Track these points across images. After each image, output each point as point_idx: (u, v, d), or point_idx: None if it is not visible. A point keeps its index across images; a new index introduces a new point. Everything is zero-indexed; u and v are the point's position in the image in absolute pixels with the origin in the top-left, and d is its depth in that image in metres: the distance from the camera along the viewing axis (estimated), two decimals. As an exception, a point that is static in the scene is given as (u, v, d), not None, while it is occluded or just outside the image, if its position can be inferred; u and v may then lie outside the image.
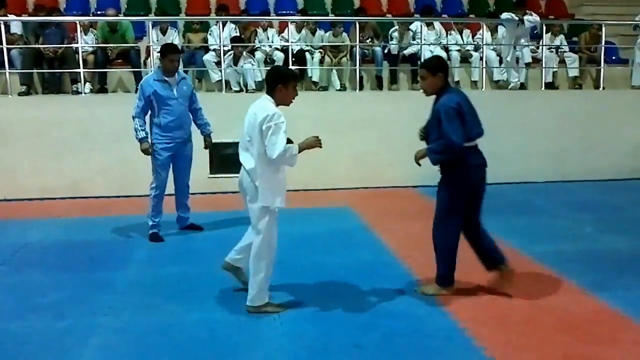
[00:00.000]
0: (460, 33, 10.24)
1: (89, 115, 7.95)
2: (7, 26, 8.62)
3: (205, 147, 6.54)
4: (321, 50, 9.62)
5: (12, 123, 8.03)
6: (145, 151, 6.15)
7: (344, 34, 9.72)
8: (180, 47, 9.36)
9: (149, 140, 6.16)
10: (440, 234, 4.79)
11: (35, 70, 8.89)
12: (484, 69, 9.54)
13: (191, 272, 5.22)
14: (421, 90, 4.87)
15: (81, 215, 7.29)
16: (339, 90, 9.48)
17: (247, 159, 4.37)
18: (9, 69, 8.40)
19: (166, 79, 6.11)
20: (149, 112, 6.20)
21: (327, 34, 9.70)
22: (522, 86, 9.82)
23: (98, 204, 7.79)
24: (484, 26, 9.55)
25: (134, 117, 6.11)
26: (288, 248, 5.81)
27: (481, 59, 9.66)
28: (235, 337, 3.95)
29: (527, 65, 9.87)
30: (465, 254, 5.58)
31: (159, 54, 6.35)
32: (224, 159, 8.26)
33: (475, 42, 10.16)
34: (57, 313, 4.35)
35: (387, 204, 7.76)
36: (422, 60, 9.29)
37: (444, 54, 9.74)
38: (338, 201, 7.85)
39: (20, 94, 8.60)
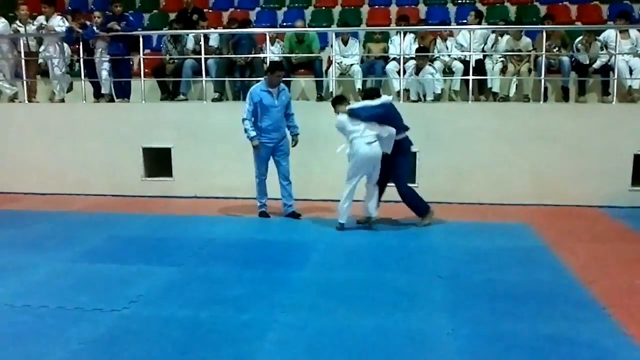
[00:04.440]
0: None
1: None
2: (206, 39, 9.38)
3: (293, 145, 7.57)
4: (503, 59, 9.31)
5: (205, 126, 8.71)
6: (256, 147, 7.30)
7: (527, 38, 9.32)
8: (360, 57, 9.67)
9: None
10: (409, 188, 7.06)
11: (227, 79, 9.58)
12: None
13: (365, 278, 5.29)
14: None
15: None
16: (519, 100, 9.12)
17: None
18: (206, 77, 9.12)
19: (270, 90, 7.25)
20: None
21: (509, 38, 9.33)
22: None
23: (276, 206, 8.18)
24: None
25: (244, 120, 7.25)
26: (461, 262, 5.75)
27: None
28: (408, 347, 3.93)
29: None
30: None
31: (267, 70, 7.51)
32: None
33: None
34: (240, 306, 4.62)
35: (569, 223, 7.29)
36: (616, 70, 8.66)
37: (642, 65, 8.98)
38: (515, 217, 7.52)
39: (213, 100, 9.31)
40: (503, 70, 9.24)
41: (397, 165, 6.89)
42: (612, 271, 5.51)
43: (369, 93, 7.20)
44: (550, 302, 4.73)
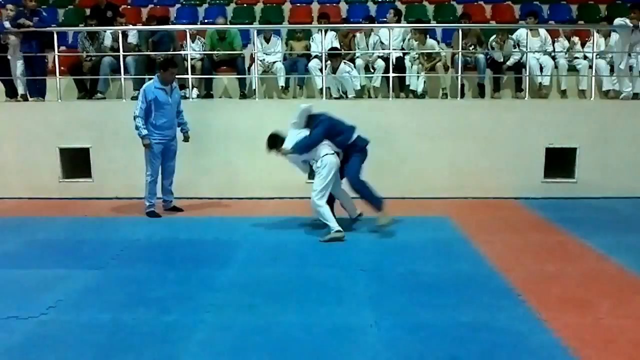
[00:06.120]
0: (569, 40, 9.84)
1: (195, 120, 8.19)
2: (125, 35, 9.15)
3: (184, 141, 7.71)
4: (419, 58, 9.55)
5: (125, 126, 8.31)
6: (146, 146, 7.30)
7: (431, 40, 9.59)
8: (283, 55, 9.69)
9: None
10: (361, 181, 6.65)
11: (147, 76, 9.36)
12: (594, 78, 9.11)
13: (290, 274, 5.31)
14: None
15: (186, 215, 7.62)
16: (434, 96, 9.40)
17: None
18: (124, 75, 8.89)
19: (164, 87, 7.30)
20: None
21: (414, 41, 9.56)
22: (636, 96, 9.30)
23: (202, 205, 8.12)
24: (595, 33, 9.13)
25: (136, 117, 7.24)
26: (384, 256, 5.88)
27: (590, 67, 9.24)
28: (334, 341, 3.97)
29: (643, 74, 9.33)
30: (570, 269, 5.40)
31: (160, 67, 7.47)
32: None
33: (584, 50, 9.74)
34: (163, 307, 4.55)
35: (487, 215, 7.58)
36: (528, 68, 9.04)
37: (550, 62, 9.44)
38: (436, 210, 7.75)
39: (132, 99, 9.08)
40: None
41: (350, 162, 6.63)
42: (526, 260, 5.77)
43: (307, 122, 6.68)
44: (469, 291, 4.89)
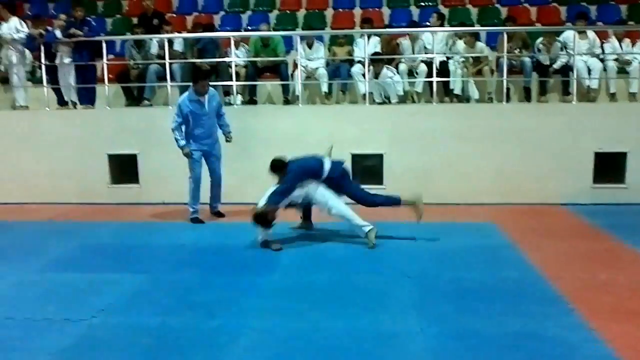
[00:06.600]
0: (619, 42, 9.59)
1: (239, 126, 8.26)
2: (170, 43, 9.32)
3: (227, 141, 7.79)
4: (465, 61, 9.44)
5: (171, 132, 8.59)
6: (187, 155, 7.46)
7: (480, 43, 9.47)
8: (326, 61, 9.72)
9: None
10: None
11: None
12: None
13: (334, 281, 5.32)
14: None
15: (232, 221, 7.71)
16: (482, 101, 9.28)
17: None
18: (170, 82, 9.05)
19: (199, 98, 7.35)
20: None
21: (460, 45, 9.46)
22: (689, 99, 9.02)
23: (246, 210, 8.14)
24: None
25: (173, 130, 7.38)
26: (429, 262, 5.83)
27: (641, 69, 9.00)
28: (379, 348, 3.96)
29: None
30: (622, 278, 5.26)
31: (192, 80, 7.59)
32: (365, 170, 8.34)
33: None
34: (210, 312, 4.61)
35: (533, 221, 7.44)
36: (575, 71, 8.85)
37: (599, 65, 9.22)
38: (481, 216, 7.65)
39: (178, 105, 9.24)
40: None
41: (352, 192, 6.68)
42: (575, 267, 5.64)
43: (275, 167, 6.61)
44: (517, 298, 4.81)
